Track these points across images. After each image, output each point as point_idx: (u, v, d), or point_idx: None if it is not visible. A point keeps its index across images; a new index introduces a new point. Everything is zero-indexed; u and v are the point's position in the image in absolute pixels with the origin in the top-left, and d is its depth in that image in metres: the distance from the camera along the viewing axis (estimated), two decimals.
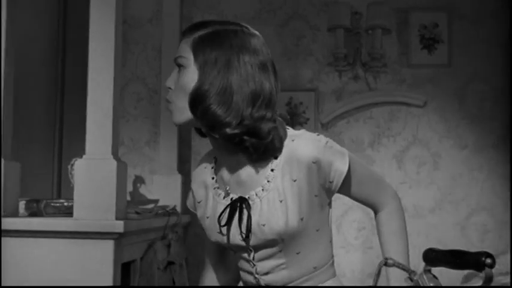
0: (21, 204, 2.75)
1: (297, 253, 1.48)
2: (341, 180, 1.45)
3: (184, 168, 3.86)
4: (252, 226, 1.44)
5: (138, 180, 3.82)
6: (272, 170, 1.44)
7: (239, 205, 1.46)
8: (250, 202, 1.46)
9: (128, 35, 3.86)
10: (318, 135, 1.47)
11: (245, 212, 1.45)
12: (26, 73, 3.38)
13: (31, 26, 3.45)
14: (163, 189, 3.71)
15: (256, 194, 1.46)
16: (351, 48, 3.78)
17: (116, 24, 2.52)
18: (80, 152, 2.57)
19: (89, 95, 2.50)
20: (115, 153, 2.52)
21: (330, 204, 1.52)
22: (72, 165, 3.13)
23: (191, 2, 3.93)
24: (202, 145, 3.82)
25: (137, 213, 2.66)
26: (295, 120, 3.84)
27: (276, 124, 1.42)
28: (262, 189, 1.45)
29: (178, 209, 3.60)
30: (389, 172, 3.76)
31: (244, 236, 1.46)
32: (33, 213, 2.71)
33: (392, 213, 1.56)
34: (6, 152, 2.55)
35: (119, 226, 2.38)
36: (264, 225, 1.44)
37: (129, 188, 3.63)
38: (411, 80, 3.82)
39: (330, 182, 1.45)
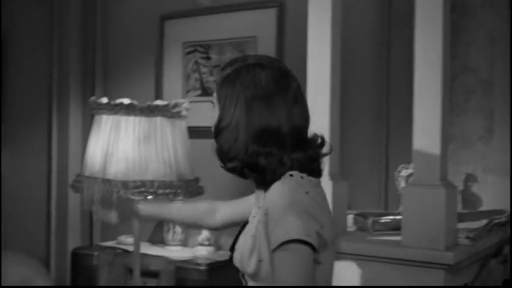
0: (349, 218, 2.76)
1: None
2: (272, 248, 1.34)
3: None
4: (235, 247, 1.54)
5: (470, 178, 3.55)
6: (258, 207, 1.47)
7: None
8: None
9: (457, 24, 3.55)
10: (296, 193, 1.38)
11: None
12: (350, 82, 3.35)
13: (355, 25, 3.38)
14: (497, 190, 3.40)
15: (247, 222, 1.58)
16: None
17: (443, 13, 2.35)
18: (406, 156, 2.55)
19: (415, 95, 2.39)
20: (444, 177, 2.35)
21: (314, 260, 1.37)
22: (399, 171, 3.04)
23: None
24: None
25: (468, 238, 2.45)
26: None
27: (277, 159, 1.42)
28: (248, 222, 1.56)
29: None
30: None
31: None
32: (360, 228, 2.70)
33: None
34: (334, 171, 2.55)
35: (448, 258, 2.24)
36: (235, 250, 1.53)
37: (460, 186, 3.39)
38: None
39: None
